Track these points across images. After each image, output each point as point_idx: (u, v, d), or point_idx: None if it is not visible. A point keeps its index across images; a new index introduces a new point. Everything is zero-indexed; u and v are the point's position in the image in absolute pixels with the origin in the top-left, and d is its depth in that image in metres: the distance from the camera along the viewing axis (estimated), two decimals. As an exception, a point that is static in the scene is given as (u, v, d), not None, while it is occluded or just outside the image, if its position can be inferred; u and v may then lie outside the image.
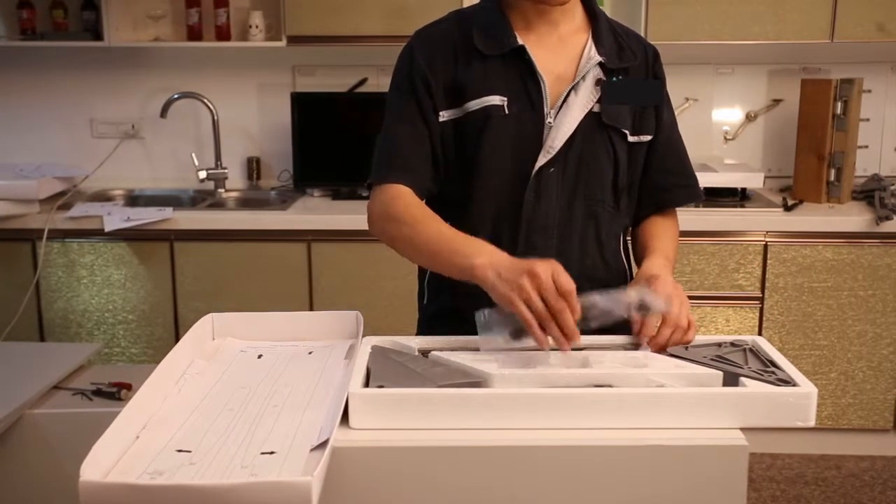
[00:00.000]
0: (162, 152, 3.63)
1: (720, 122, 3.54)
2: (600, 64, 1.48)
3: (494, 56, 1.47)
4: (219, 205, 3.40)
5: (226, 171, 3.50)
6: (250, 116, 3.60)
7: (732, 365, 1.22)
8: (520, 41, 1.47)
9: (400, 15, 3.15)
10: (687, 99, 3.48)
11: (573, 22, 1.52)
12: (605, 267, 1.55)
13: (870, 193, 3.14)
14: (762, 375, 1.18)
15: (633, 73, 1.52)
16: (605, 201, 1.52)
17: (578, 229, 1.50)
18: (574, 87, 1.47)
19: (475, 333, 1.31)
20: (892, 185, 3.17)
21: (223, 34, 3.38)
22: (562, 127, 1.46)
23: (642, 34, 3.10)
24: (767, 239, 3.00)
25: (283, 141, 3.52)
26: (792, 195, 3.24)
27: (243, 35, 3.39)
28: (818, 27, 3.09)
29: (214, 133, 3.50)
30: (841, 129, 3.12)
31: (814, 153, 3.17)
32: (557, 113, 1.46)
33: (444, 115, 1.49)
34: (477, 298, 1.51)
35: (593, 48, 1.49)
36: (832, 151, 3.13)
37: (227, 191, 3.49)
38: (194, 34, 3.39)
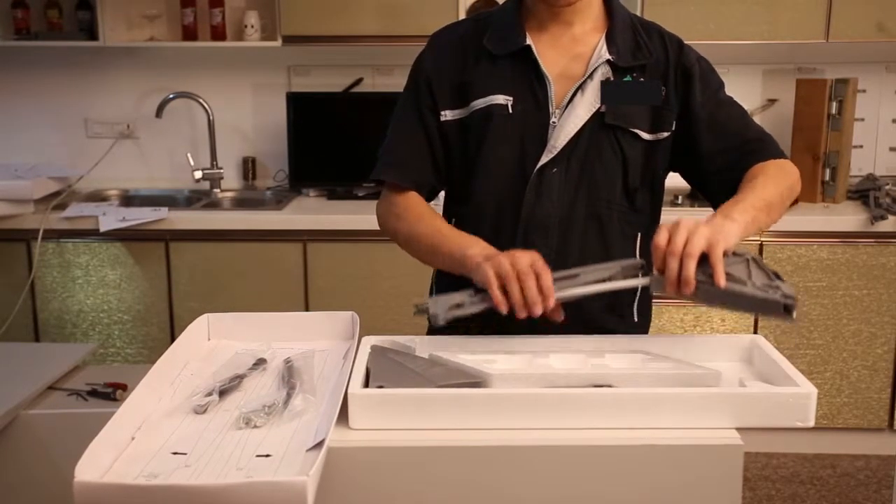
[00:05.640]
0: (157, 152, 3.62)
1: (715, 122, 3.53)
2: (611, 63, 1.46)
3: (503, 56, 1.48)
4: (214, 205, 3.39)
5: (221, 171, 3.49)
6: (246, 116, 3.59)
7: (736, 281, 1.21)
8: (528, 41, 1.47)
9: (395, 15, 3.14)
10: (682, 99, 3.48)
11: (589, 21, 1.51)
12: None
13: (865, 193, 3.14)
14: (767, 292, 1.18)
15: (651, 69, 1.49)
16: (612, 201, 1.49)
17: (579, 230, 1.49)
18: (581, 87, 1.46)
19: (496, 332, 1.35)
20: (887, 184, 3.18)
21: (218, 34, 3.37)
22: (565, 127, 1.45)
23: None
24: (763, 238, 3.00)
25: (279, 141, 3.52)
26: (787, 195, 3.25)
27: (238, 35, 3.38)
28: (813, 27, 3.09)
29: (210, 133, 3.49)
30: (836, 129, 3.13)
31: (809, 153, 3.17)
32: (563, 113, 1.46)
33: (447, 115, 1.51)
34: None
35: (604, 47, 1.48)
36: (827, 151, 3.14)
37: (222, 191, 3.48)
38: (189, 34, 3.38)
